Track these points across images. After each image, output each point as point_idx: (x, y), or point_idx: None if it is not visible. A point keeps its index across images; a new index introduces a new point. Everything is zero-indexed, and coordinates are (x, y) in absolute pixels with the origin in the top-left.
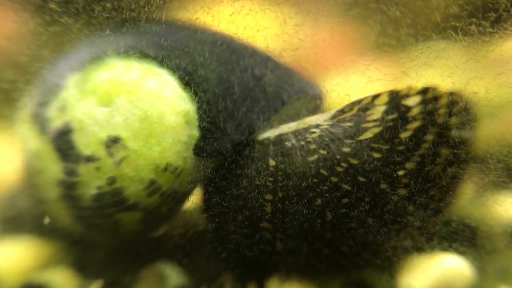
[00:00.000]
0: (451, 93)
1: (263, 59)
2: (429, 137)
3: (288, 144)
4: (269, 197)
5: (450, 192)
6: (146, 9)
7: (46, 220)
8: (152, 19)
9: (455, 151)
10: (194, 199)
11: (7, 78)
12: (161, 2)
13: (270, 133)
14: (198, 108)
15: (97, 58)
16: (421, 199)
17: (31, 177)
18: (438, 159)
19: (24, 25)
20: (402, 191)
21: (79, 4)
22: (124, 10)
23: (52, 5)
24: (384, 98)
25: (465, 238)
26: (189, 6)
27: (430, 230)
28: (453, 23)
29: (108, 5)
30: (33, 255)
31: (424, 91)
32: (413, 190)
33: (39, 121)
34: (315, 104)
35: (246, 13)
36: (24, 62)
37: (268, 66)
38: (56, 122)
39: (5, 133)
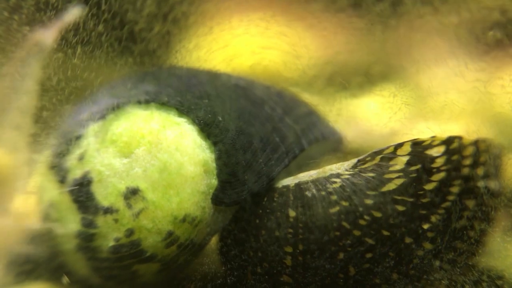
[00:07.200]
0: (477, 142)
1: (284, 104)
2: (455, 189)
3: (308, 194)
4: (289, 249)
5: (480, 249)
6: (168, 62)
7: (65, 280)
8: (173, 69)
9: (483, 205)
10: (212, 252)
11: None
12: (181, 58)
13: (289, 181)
14: (217, 157)
15: (117, 108)
16: (448, 255)
17: (49, 228)
18: (465, 212)
19: (48, 81)
20: (428, 246)
21: (101, 59)
22: (146, 64)
23: (76, 61)
24: (407, 148)
25: None
26: (210, 58)
27: None
28: (480, 77)
29: (130, 59)
30: None
31: (448, 141)
32: (440, 245)
33: (58, 172)
34: (335, 150)
35: (267, 64)
36: (45, 117)
37: (288, 112)
38: (75, 173)
39: None
